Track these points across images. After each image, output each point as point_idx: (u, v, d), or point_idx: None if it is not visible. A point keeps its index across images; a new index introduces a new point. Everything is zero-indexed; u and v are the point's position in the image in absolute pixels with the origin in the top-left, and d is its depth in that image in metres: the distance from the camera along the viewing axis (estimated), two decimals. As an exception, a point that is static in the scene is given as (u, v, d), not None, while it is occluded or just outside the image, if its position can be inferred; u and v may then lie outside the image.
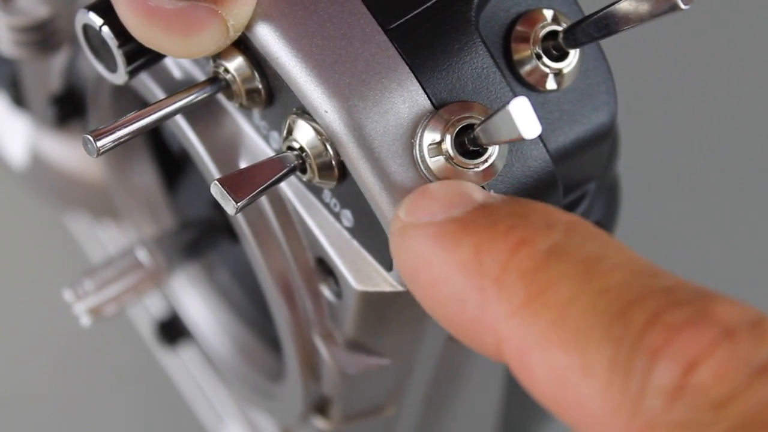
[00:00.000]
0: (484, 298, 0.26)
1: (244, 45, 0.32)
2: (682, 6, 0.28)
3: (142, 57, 0.33)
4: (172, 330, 0.49)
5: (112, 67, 0.33)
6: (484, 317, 0.26)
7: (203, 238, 0.45)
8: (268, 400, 0.43)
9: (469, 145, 0.30)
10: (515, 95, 0.31)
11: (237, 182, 0.30)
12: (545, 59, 0.32)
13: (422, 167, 0.30)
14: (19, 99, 0.51)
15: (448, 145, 0.30)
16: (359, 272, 0.33)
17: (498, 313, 0.26)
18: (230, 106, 0.35)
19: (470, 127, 0.30)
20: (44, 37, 0.44)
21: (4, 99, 0.53)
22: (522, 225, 0.27)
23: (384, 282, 0.33)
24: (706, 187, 0.60)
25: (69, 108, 0.47)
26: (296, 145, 0.32)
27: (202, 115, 0.35)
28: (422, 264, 0.28)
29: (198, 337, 0.47)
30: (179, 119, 0.35)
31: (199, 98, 0.33)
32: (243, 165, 0.35)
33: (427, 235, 0.28)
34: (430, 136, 0.30)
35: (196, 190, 0.46)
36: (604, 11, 0.30)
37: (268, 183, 0.31)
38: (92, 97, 0.42)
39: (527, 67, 0.32)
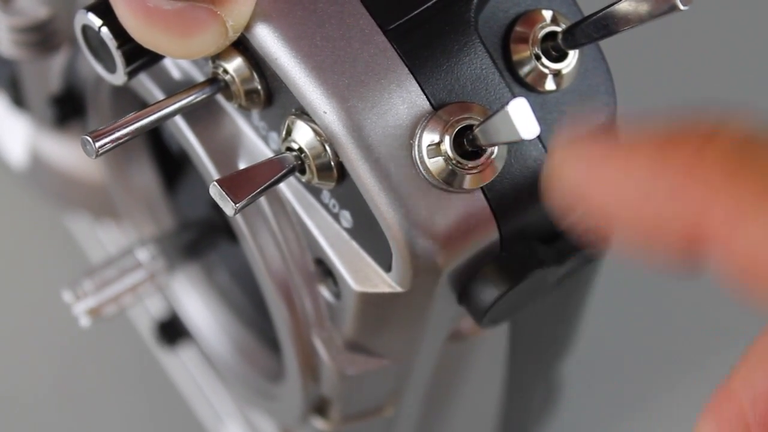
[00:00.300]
0: (677, 182, 0.25)
1: (243, 46, 0.32)
2: (681, 7, 0.28)
3: (141, 58, 0.33)
4: (172, 330, 0.49)
5: (111, 68, 0.33)
6: (678, 200, 0.25)
7: (203, 238, 0.45)
8: (267, 401, 0.43)
9: (468, 146, 0.30)
10: (514, 96, 0.31)
11: (236, 183, 0.30)
12: (544, 60, 0.32)
13: (421, 168, 0.30)
14: (18, 99, 0.51)
15: (447, 145, 0.30)
16: (358, 273, 0.33)
17: (698, 189, 0.25)
18: (229, 107, 0.35)
19: (469, 128, 0.30)
20: (44, 37, 0.44)
21: (4, 99, 0.53)
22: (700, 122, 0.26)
23: (383, 283, 0.33)
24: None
25: (68, 108, 0.47)
26: (295, 146, 0.32)
27: (201, 115, 0.35)
28: (596, 169, 0.26)
29: (197, 338, 0.47)
30: (178, 120, 0.35)
31: (198, 99, 0.33)
32: (242, 166, 0.35)
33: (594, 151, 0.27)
34: (429, 137, 0.30)
35: (196, 190, 0.46)
36: (604, 12, 0.30)
37: (267, 184, 0.31)
38: (92, 97, 0.42)
39: (526, 68, 0.32)
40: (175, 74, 0.36)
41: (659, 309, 0.56)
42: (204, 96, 0.33)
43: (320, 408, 0.39)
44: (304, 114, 0.31)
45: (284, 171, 0.31)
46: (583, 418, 0.54)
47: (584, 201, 0.27)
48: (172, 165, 0.47)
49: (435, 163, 0.30)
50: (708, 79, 0.63)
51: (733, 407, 0.28)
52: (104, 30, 0.32)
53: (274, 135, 0.34)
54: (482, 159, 0.30)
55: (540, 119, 0.31)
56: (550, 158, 0.27)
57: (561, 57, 0.32)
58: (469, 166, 0.30)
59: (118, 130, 0.32)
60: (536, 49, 0.31)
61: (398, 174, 0.30)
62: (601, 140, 0.27)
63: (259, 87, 0.32)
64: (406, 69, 0.31)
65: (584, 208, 0.27)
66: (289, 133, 0.32)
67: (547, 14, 0.32)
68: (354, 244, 0.33)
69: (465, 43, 0.31)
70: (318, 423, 0.40)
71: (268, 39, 0.31)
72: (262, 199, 0.35)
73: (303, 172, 0.32)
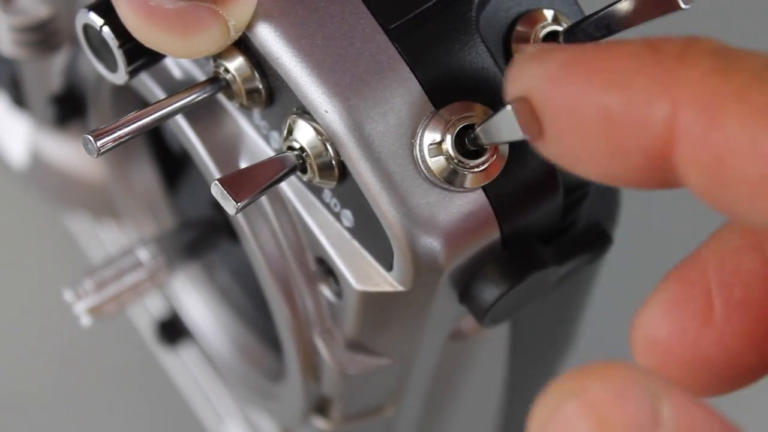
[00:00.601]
0: (658, 69, 0.25)
1: (244, 45, 0.32)
2: (683, 5, 0.28)
3: (143, 57, 0.33)
4: (173, 330, 0.49)
5: (112, 67, 0.33)
6: (656, 86, 0.25)
7: (203, 237, 0.45)
8: (268, 401, 0.43)
9: (469, 145, 0.30)
10: (516, 95, 0.31)
11: (237, 182, 0.30)
12: (546, 59, 0.32)
13: (422, 167, 0.30)
14: (19, 99, 0.51)
15: (448, 145, 0.30)
16: (359, 272, 0.33)
17: (679, 78, 0.25)
18: (230, 106, 0.35)
19: (470, 127, 0.30)
20: (45, 37, 0.44)
21: (4, 99, 0.53)
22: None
23: (384, 282, 0.33)
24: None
25: (69, 108, 0.47)
26: (296, 145, 0.32)
27: (202, 115, 0.35)
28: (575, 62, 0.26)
29: (198, 337, 0.47)
30: (179, 119, 0.35)
31: (200, 98, 0.33)
32: (243, 165, 0.35)
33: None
34: (431, 136, 0.30)
35: (197, 190, 0.46)
36: (605, 11, 0.30)
37: (269, 183, 0.31)
38: (92, 97, 0.42)
39: (528, 68, 0.32)
40: (176, 73, 0.36)
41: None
42: (205, 95, 0.33)
43: (321, 407, 0.39)
44: (305, 113, 0.31)
45: (285, 170, 0.31)
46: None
47: (552, 102, 0.26)
48: (173, 164, 0.47)
49: (436, 162, 0.30)
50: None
51: (697, 272, 0.27)
52: (106, 29, 0.32)
53: (275, 134, 0.34)
54: (484, 158, 0.30)
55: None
56: (514, 60, 0.27)
57: (562, 56, 0.32)
58: (471, 165, 0.30)
59: (120, 129, 0.32)
60: (538, 49, 0.31)
61: (399, 173, 0.30)
62: (572, 46, 0.27)
63: (261, 86, 0.32)
64: (408, 68, 0.31)
65: (551, 111, 0.26)
66: (290, 132, 0.32)
67: (549, 14, 0.32)
68: (355, 243, 0.33)
69: (466, 42, 0.31)
70: (319, 422, 0.40)
71: (269, 38, 0.31)
72: (264, 198, 0.35)
73: (304, 171, 0.32)
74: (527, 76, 0.27)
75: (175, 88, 0.35)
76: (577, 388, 0.23)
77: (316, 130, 0.31)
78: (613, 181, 0.27)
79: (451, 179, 0.30)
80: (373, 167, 0.30)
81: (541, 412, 0.23)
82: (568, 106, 0.26)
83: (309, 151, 0.31)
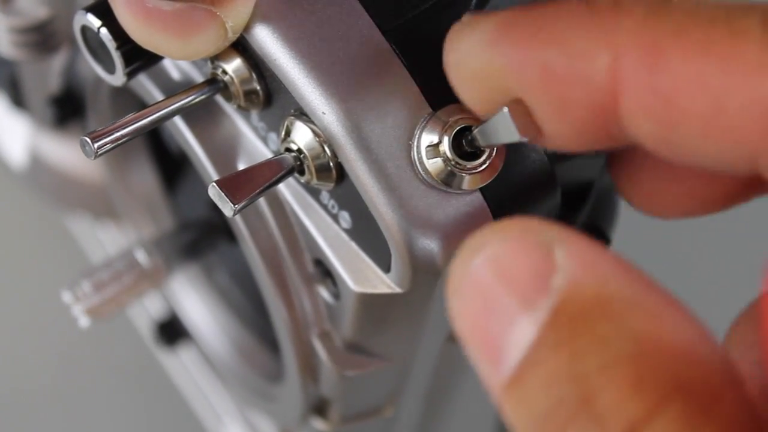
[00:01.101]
0: (594, 22, 0.25)
1: (242, 46, 0.32)
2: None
3: (141, 58, 0.33)
4: (172, 331, 0.49)
5: (110, 69, 0.33)
6: (594, 38, 0.25)
7: (202, 239, 0.45)
8: (267, 402, 0.43)
9: (466, 147, 0.30)
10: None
11: (235, 184, 0.30)
12: (543, 61, 0.32)
13: (420, 169, 0.30)
14: (18, 100, 0.51)
15: (445, 146, 0.30)
16: (357, 274, 0.33)
17: (616, 27, 0.25)
18: (228, 108, 0.35)
19: (468, 129, 0.30)
20: (43, 38, 0.44)
21: (3, 99, 0.53)
22: None
23: (382, 284, 0.33)
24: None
25: (68, 109, 0.47)
26: (294, 147, 0.32)
27: (200, 116, 0.35)
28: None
29: (197, 338, 0.47)
30: (177, 121, 0.35)
31: (198, 100, 0.33)
32: (241, 166, 0.35)
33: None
34: (428, 138, 0.30)
35: (195, 191, 0.46)
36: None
37: (267, 185, 0.31)
38: (91, 98, 0.42)
39: (525, 69, 0.32)
40: (175, 75, 0.36)
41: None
42: (203, 97, 0.33)
43: (320, 408, 0.39)
44: (303, 115, 0.31)
45: (283, 172, 0.31)
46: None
47: (493, 69, 0.27)
48: (172, 165, 0.47)
49: (434, 164, 0.30)
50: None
51: None
52: (103, 31, 0.32)
53: (273, 136, 0.34)
54: (481, 160, 0.30)
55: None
56: (451, 29, 0.28)
57: (560, 58, 0.32)
58: (468, 167, 0.30)
59: (117, 131, 0.32)
60: (535, 50, 0.31)
61: (397, 175, 0.30)
62: (507, 10, 0.27)
63: (258, 88, 0.32)
64: (405, 70, 0.31)
65: (492, 79, 0.27)
66: (288, 133, 0.32)
67: (546, 15, 0.32)
68: (353, 245, 0.33)
69: (464, 43, 0.31)
70: (317, 423, 0.40)
71: (267, 40, 0.31)
72: (261, 200, 0.35)
73: (302, 172, 0.32)
74: (466, 41, 0.27)
75: (173, 89, 0.35)
76: (480, 245, 0.25)
77: (313, 131, 0.31)
78: (563, 142, 0.27)
79: (448, 181, 0.30)
80: (370, 169, 0.30)
81: (457, 271, 0.25)
82: (508, 67, 0.26)
83: (307, 153, 0.31)
